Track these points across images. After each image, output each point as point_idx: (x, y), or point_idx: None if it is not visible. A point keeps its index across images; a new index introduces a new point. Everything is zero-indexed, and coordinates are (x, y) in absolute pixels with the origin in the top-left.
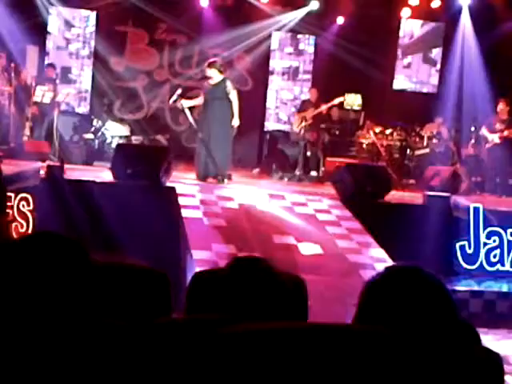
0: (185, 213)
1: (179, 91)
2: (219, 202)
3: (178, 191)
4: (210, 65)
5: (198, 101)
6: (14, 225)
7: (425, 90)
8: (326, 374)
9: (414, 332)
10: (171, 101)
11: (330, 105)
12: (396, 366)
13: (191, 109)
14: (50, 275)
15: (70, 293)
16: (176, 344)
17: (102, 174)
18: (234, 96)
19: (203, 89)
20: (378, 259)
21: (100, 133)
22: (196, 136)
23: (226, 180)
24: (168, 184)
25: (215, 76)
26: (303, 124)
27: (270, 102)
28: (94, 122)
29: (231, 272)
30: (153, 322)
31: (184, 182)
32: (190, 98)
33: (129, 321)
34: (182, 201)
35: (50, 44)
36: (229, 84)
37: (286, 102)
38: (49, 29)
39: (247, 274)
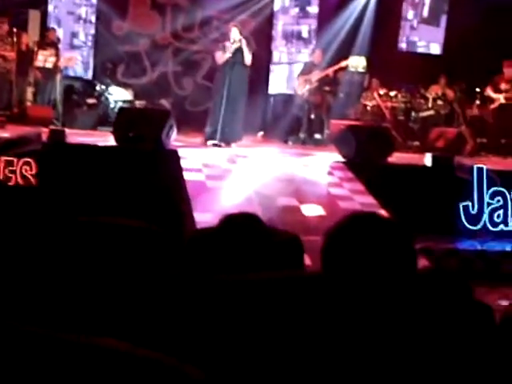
0: (187, 175)
1: None
2: (222, 164)
3: (180, 154)
4: (235, 26)
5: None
6: None
7: (430, 51)
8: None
9: (371, 276)
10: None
11: (336, 67)
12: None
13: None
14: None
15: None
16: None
17: (106, 138)
18: (249, 60)
19: (220, 49)
20: None
21: (103, 97)
22: (215, 96)
23: (232, 144)
24: (170, 147)
25: (237, 37)
26: (307, 87)
27: (273, 66)
28: (97, 87)
29: (223, 228)
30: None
31: (187, 145)
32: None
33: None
34: (184, 163)
35: (51, 8)
36: (246, 48)
37: (288, 64)
38: None
39: (238, 228)
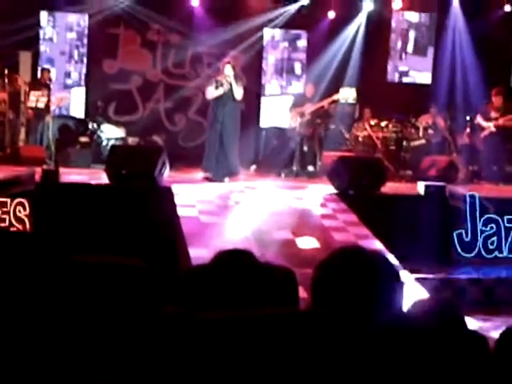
0: (181, 211)
1: None
2: (215, 199)
3: (173, 190)
4: (228, 62)
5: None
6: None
7: (419, 81)
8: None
9: (357, 311)
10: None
11: (329, 100)
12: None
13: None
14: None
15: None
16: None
17: (99, 176)
18: (239, 95)
19: (211, 85)
20: None
21: (96, 135)
22: (210, 132)
23: (226, 179)
24: (164, 184)
25: (231, 73)
26: (299, 120)
27: (265, 99)
28: (90, 125)
29: (214, 266)
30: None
31: (180, 181)
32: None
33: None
34: (178, 200)
35: (43, 48)
36: (236, 84)
37: (279, 97)
38: (41, 34)
39: (229, 266)
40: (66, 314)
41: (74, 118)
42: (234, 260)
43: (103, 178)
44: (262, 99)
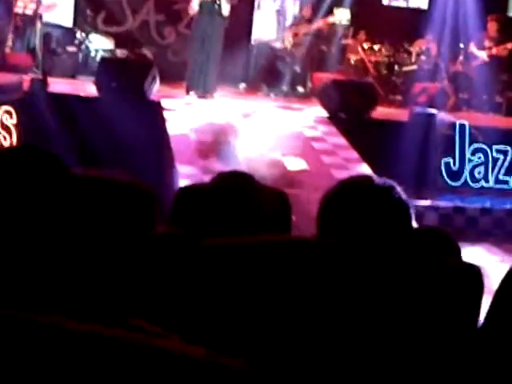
0: (170, 127)
1: None
2: (205, 116)
3: (163, 105)
4: None
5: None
6: None
7: (415, 6)
8: (289, 285)
9: (368, 242)
10: None
11: (325, 22)
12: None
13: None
14: (28, 188)
15: (48, 205)
16: (159, 256)
17: (86, 87)
18: (227, 11)
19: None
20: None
21: (84, 45)
22: (191, 47)
23: (214, 95)
24: (153, 98)
25: None
26: (293, 40)
27: (258, 15)
28: (78, 35)
29: (215, 187)
30: (136, 234)
31: (170, 97)
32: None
33: (112, 233)
34: (167, 115)
35: None
36: (226, 1)
37: (274, 15)
38: None
39: (230, 188)
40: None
41: (61, 27)
42: (234, 182)
43: (90, 89)
44: (255, 16)
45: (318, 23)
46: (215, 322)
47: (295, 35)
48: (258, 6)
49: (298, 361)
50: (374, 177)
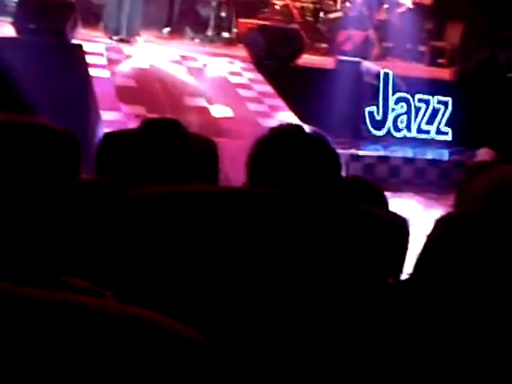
0: (93, 72)
1: None
2: (128, 61)
3: (85, 49)
4: None
5: None
6: None
7: None
8: (223, 235)
9: (298, 190)
10: None
11: None
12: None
13: None
14: None
15: None
16: (85, 205)
17: (3, 28)
18: None
19: None
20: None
21: None
22: None
23: (137, 39)
24: (74, 41)
25: None
26: None
27: None
28: None
29: (142, 133)
30: (60, 182)
31: (91, 40)
32: None
33: (35, 181)
34: (89, 59)
35: None
36: None
37: None
38: None
39: (158, 135)
40: None
41: None
42: (162, 128)
43: (8, 31)
44: None
45: None
46: (144, 277)
47: None
48: None
49: (227, 317)
50: (304, 125)
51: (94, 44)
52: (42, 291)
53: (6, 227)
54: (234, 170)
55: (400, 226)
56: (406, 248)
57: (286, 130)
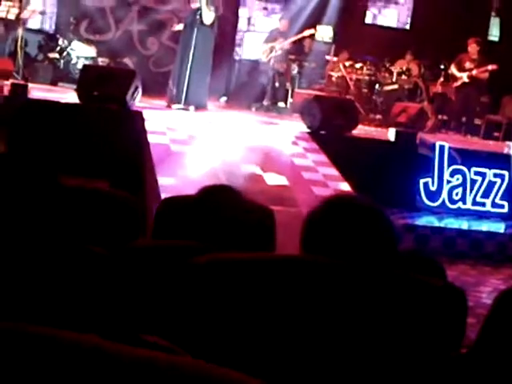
0: (151, 138)
1: None
2: (186, 128)
3: (144, 116)
4: None
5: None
6: None
7: (397, 26)
8: (283, 302)
9: (353, 261)
10: None
11: (300, 36)
12: (335, 295)
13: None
14: (19, 196)
15: (36, 213)
16: (149, 269)
17: (67, 95)
18: (208, 20)
19: (186, 11)
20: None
21: (65, 53)
22: (177, 59)
23: (192, 107)
24: (135, 108)
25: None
26: (272, 54)
27: (241, 30)
28: (60, 42)
29: (200, 199)
30: (124, 247)
31: (151, 107)
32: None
33: (98, 245)
34: (148, 126)
35: None
36: (206, 8)
37: (256, 30)
38: None
39: (216, 201)
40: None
41: (43, 33)
42: (220, 195)
43: (71, 97)
44: (240, 31)
45: (295, 37)
46: (211, 336)
47: (272, 49)
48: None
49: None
50: (359, 196)
51: (153, 111)
52: (130, 348)
53: (89, 290)
54: (287, 237)
55: (458, 298)
56: (464, 320)
57: (341, 200)
